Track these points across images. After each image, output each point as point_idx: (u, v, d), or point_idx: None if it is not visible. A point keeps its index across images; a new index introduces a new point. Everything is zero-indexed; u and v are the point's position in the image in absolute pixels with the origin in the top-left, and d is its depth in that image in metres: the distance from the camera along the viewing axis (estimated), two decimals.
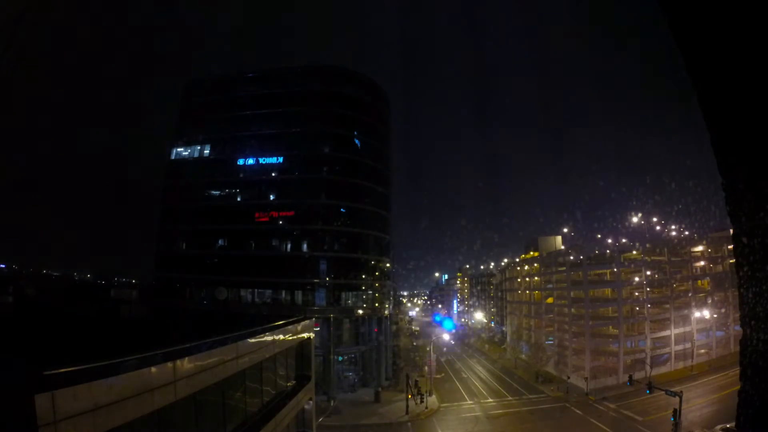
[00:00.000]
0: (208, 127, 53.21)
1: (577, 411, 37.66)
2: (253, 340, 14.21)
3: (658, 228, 57.99)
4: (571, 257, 56.45)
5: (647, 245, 52.50)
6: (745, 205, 1.21)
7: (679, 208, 63.47)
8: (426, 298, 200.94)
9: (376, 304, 51.54)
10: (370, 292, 51.36)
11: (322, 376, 40.55)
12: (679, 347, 49.12)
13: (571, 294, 53.69)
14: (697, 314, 50.13)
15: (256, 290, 49.06)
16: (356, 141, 52.19)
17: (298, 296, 47.92)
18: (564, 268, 55.98)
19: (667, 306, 51.45)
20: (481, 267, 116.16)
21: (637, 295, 52.23)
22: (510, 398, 43.46)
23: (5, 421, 5.79)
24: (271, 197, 50.21)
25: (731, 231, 1.31)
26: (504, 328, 78.97)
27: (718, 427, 27.99)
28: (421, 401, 39.18)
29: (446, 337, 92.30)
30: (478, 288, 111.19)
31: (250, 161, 51.22)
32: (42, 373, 6.06)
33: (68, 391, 6.24)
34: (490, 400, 43.00)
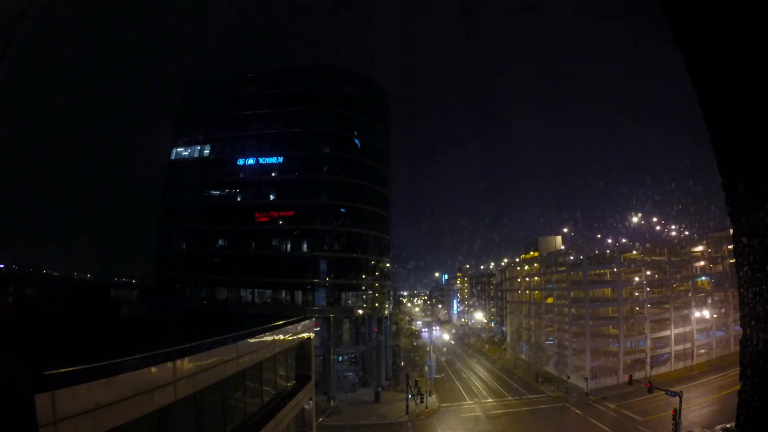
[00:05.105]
0: (208, 127, 53.21)
1: (577, 411, 37.67)
2: (253, 340, 14.20)
3: (658, 228, 57.98)
4: (571, 257, 56.45)
5: (647, 245, 52.51)
6: (745, 205, 1.21)
7: (679, 208, 63.46)
8: (426, 298, 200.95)
9: (376, 304, 51.53)
10: (370, 292, 51.35)
11: (322, 376, 40.55)
12: (679, 347, 49.14)
13: (571, 294, 53.68)
14: (697, 314, 50.15)
15: (256, 290, 49.06)
16: (356, 141, 52.20)
17: (298, 296, 47.93)
18: (564, 268, 55.99)
19: (667, 306, 51.46)
20: (481, 267, 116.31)
21: (637, 295, 52.24)
22: (510, 398, 43.46)
23: (5, 421, 5.79)
24: (271, 197, 50.21)
25: (731, 231, 1.31)
26: (504, 328, 78.97)
27: (718, 427, 28.02)
28: (421, 401, 39.18)
29: (446, 337, 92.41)
30: (478, 288, 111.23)
31: (250, 161, 51.23)
32: (42, 373, 6.06)
33: (68, 391, 6.24)
34: (490, 400, 43.01)
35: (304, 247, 48.21)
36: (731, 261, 51.61)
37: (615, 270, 51.44)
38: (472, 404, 41.64)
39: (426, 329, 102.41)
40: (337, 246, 48.99)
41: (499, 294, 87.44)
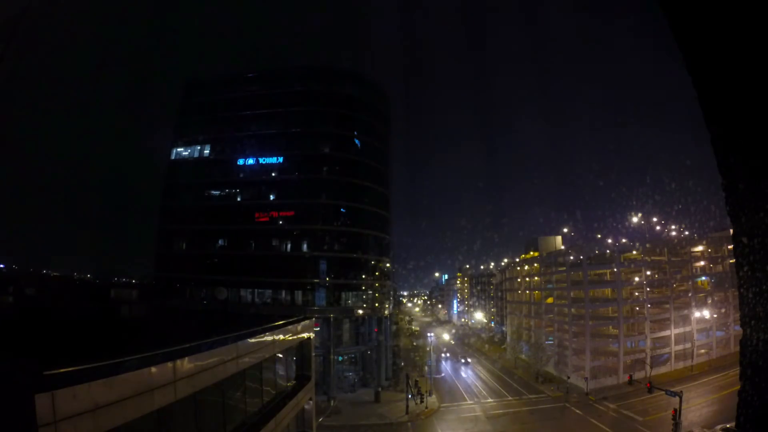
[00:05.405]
0: (208, 127, 53.24)
1: (577, 411, 37.67)
2: (253, 340, 14.19)
3: (658, 228, 58.01)
4: (571, 257, 56.43)
5: (647, 245, 52.50)
6: (745, 205, 1.21)
7: (679, 208, 63.57)
8: (426, 298, 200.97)
9: (376, 304, 51.53)
10: (370, 292, 51.35)
11: (322, 376, 40.55)
12: (679, 347, 49.13)
13: (571, 294, 53.68)
14: (697, 314, 50.13)
15: (256, 290, 49.06)
16: (356, 141, 52.21)
17: (298, 296, 47.93)
18: (564, 268, 55.97)
19: (667, 306, 51.45)
20: (481, 267, 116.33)
21: (637, 295, 52.23)
22: (510, 398, 43.46)
23: (5, 421, 5.79)
24: (271, 197, 50.21)
25: (731, 231, 1.31)
26: (504, 328, 78.96)
27: (718, 427, 28.02)
28: (421, 401, 39.17)
29: (446, 336, 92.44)
30: (478, 288, 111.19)
31: (250, 161, 51.24)
32: (42, 373, 6.05)
33: (68, 391, 6.24)
34: (490, 400, 43.01)
35: (304, 247, 48.21)
36: (731, 261, 51.62)
37: (615, 270, 51.43)
38: (472, 404, 41.63)
39: (427, 330, 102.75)
40: (337, 246, 48.99)
41: (499, 294, 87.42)
